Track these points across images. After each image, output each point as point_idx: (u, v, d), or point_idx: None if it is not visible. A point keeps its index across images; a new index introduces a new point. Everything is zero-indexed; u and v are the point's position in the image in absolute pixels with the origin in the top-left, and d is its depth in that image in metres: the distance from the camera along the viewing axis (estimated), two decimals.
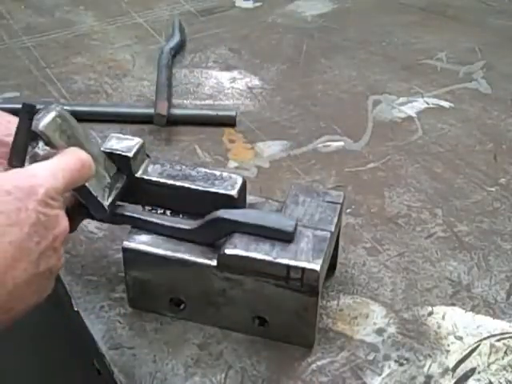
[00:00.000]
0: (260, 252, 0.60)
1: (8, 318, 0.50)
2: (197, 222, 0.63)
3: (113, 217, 0.64)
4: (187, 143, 0.91)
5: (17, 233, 0.48)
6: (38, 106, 0.57)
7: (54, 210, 0.52)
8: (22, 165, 0.54)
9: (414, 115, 0.97)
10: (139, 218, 0.64)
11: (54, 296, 0.70)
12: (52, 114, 0.58)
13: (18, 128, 0.55)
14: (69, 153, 0.56)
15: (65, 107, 0.94)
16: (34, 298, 0.52)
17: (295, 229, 0.61)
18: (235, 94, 1.01)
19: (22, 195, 0.49)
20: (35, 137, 0.56)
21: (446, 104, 1.00)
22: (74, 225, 0.70)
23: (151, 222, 0.64)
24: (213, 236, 0.63)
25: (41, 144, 0.56)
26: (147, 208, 0.66)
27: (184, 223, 0.64)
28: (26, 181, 0.51)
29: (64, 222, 0.53)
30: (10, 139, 0.63)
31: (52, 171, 0.53)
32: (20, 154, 0.55)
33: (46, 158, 0.55)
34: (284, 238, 0.61)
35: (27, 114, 0.55)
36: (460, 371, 0.63)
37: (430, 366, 0.63)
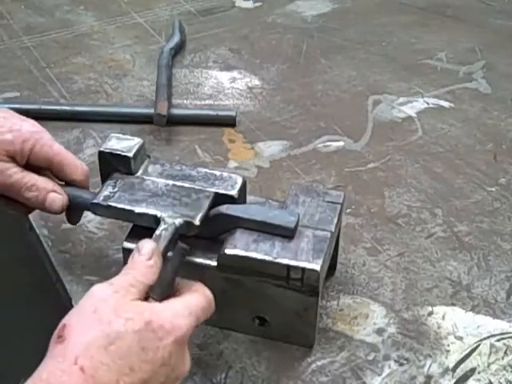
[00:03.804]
0: (260, 252, 0.60)
1: None
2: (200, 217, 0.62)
3: (109, 210, 0.64)
4: (187, 143, 0.91)
5: (148, 370, 0.47)
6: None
7: (185, 351, 0.51)
8: (160, 299, 0.52)
9: (414, 115, 0.97)
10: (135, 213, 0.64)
11: (54, 296, 0.70)
12: None
13: (171, 262, 0.55)
14: (199, 290, 0.55)
15: (65, 107, 0.96)
16: None
17: (296, 224, 0.61)
18: (235, 94, 1.01)
19: (163, 334, 0.49)
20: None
21: (445, 104, 1.00)
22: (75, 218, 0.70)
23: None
24: (215, 231, 0.63)
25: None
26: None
27: None
28: (169, 320, 0.50)
29: (187, 365, 0.52)
30: (7, 136, 0.63)
31: (190, 311, 0.52)
32: (164, 288, 0.53)
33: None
34: (285, 233, 0.61)
35: (183, 252, 0.55)
36: (460, 371, 0.63)
37: (430, 366, 0.63)
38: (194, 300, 0.53)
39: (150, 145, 0.88)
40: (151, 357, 0.48)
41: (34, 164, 0.65)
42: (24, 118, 0.67)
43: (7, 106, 0.91)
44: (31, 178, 0.65)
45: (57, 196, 0.65)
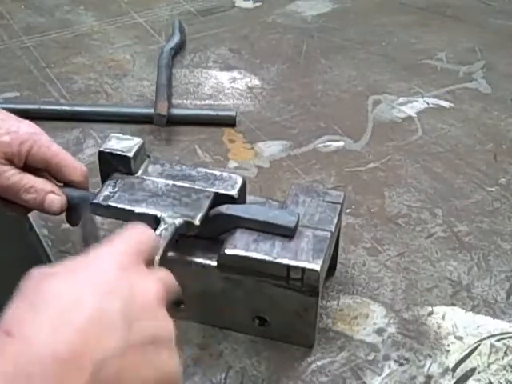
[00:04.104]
0: (260, 252, 0.60)
1: None
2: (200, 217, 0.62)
3: (109, 211, 0.64)
4: (187, 143, 0.91)
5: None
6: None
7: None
8: None
9: (414, 115, 0.97)
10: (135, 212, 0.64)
11: None
12: None
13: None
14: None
15: (65, 107, 0.96)
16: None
17: (297, 224, 0.61)
18: (235, 94, 1.01)
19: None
20: None
21: (446, 104, 1.00)
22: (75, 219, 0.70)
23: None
24: (215, 231, 0.63)
25: None
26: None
27: None
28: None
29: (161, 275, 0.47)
30: (4, 138, 0.63)
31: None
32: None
33: None
34: (285, 233, 0.61)
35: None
36: (460, 371, 0.63)
37: (430, 366, 0.63)
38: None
39: (150, 145, 0.88)
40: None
41: (31, 165, 0.65)
42: (22, 119, 0.67)
43: (7, 106, 0.91)
44: (29, 179, 0.65)
45: (55, 197, 0.65)
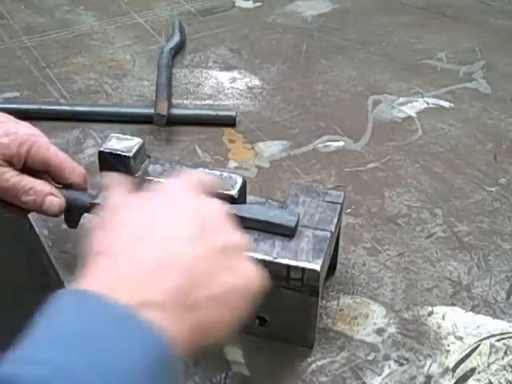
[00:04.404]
0: (260, 252, 0.60)
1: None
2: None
3: None
4: (187, 143, 0.91)
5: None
6: None
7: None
8: None
9: (414, 115, 0.97)
10: None
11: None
12: None
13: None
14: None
15: (65, 107, 0.96)
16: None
17: (297, 224, 0.61)
18: (235, 94, 1.01)
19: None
20: None
21: (446, 104, 1.00)
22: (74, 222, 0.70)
23: None
24: None
25: None
26: None
27: None
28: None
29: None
30: (3, 140, 0.63)
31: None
32: None
33: None
34: (286, 233, 0.61)
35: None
36: (460, 371, 0.63)
37: (430, 366, 0.63)
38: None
39: (150, 145, 0.88)
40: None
41: (31, 167, 0.65)
42: (20, 121, 0.67)
43: (7, 106, 0.91)
44: (28, 181, 0.65)
45: (54, 199, 0.65)
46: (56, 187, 0.66)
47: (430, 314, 0.68)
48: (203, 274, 0.45)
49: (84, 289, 0.42)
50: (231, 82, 1.04)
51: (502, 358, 0.64)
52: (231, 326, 0.48)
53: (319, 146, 0.91)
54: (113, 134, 0.68)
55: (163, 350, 0.41)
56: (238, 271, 0.48)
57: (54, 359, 0.37)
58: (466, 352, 0.64)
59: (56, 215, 0.66)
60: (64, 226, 0.75)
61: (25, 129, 0.66)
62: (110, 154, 0.66)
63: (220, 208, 0.51)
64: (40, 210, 0.65)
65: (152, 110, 0.92)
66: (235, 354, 0.51)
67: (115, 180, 0.55)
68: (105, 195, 0.55)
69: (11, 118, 0.67)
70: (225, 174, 0.66)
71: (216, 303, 0.45)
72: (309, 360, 0.63)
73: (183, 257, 0.45)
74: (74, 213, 0.69)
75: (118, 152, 0.66)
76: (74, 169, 0.67)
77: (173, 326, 0.42)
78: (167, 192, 0.51)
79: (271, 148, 0.90)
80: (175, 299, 0.43)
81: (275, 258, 0.59)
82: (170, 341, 0.41)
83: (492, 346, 0.65)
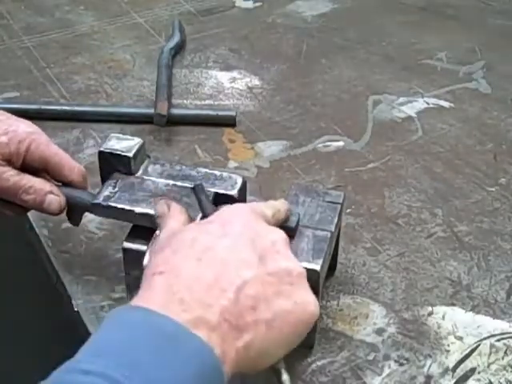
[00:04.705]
0: None
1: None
2: (199, 218, 0.62)
3: (109, 211, 0.64)
4: (187, 143, 0.91)
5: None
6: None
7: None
8: None
9: (414, 115, 0.97)
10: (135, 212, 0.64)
11: (54, 296, 0.70)
12: None
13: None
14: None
15: (65, 107, 0.96)
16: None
17: (297, 224, 0.61)
18: (235, 94, 1.01)
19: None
20: None
21: (445, 104, 1.00)
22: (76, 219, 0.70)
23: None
24: None
25: None
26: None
27: None
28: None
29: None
30: (2, 139, 0.63)
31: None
32: None
33: None
34: (286, 233, 0.60)
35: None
36: (460, 371, 0.63)
37: (430, 366, 0.63)
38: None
39: (150, 145, 0.88)
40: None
41: (30, 165, 0.65)
42: (21, 119, 0.67)
43: (7, 106, 0.91)
44: (28, 180, 0.65)
45: (54, 197, 0.65)
46: (56, 185, 0.66)
47: (430, 314, 0.68)
48: (256, 298, 0.46)
49: (144, 306, 0.43)
50: (231, 82, 1.04)
51: (502, 358, 0.64)
52: (282, 352, 0.48)
53: (319, 146, 0.91)
54: (113, 134, 0.68)
55: (215, 367, 0.41)
56: (292, 298, 0.48)
57: (109, 372, 0.37)
58: (466, 352, 0.64)
59: (56, 214, 0.66)
60: (64, 226, 0.75)
61: (24, 127, 0.66)
62: (110, 153, 0.66)
63: (281, 236, 0.52)
64: (40, 208, 0.65)
65: (152, 110, 0.92)
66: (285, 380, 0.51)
67: (174, 209, 0.57)
68: (160, 222, 0.56)
69: (11, 116, 0.67)
70: (225, 174, 0.66)
71: (267, 328, 0.46)
72: (309, 360, 0.63)
73: (239, 279, 0.46)
74: (74, 211, 0.69)
75: (118, 152, 0.66)
76: (73, 167, 0.67)
77: (223, 345, 0.43)
78: (228, 216, 0.52)
79: (271, 148, 0.90)
80: (227, 320, 0.44)
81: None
82: (220, 359, 0.42)
83: (492, 346, 0.65)
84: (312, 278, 0.59)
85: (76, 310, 0.67)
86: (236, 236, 0.49)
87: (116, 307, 0.43)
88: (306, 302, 0.49)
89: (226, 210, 0.54)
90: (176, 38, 1.11)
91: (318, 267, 0.58)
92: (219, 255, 0.47)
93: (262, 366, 0.48)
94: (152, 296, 0.44)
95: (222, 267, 0.46)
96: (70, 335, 0.73)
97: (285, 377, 0.51)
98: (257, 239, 0.50)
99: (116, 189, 0.65)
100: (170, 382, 0.39)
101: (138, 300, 0.44)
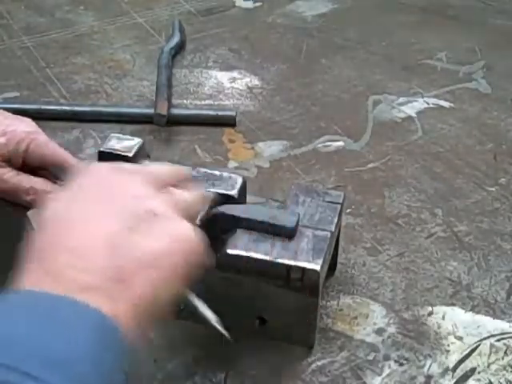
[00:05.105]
0: (260, 252, 0.60)
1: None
2: (199, 217, 0.63)
3: None
4: (187, 143, 0.91)
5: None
6: None
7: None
8: None
9: (414, 115, 0.97)
10: None
11: None
12: None
13: None
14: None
15: (65, 107, 0.96)
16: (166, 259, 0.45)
17: (297, 224, 0.61)
18: (235, 94, 1.01)
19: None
20: None
21: (446, 104, 1.00)
22: None
23: None
24: (216, 231, 0.63)
25: None
26: None
27: None
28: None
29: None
30: (0, 140, 0.63)
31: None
32: None
33: None
34: (286, 233, 0.61)
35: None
36: (460, 371, 0.63)
37: (430, 366, 0.63)
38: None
39: (150, 145, 0.88)
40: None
41: (30, 164, 0.65)
42: (20, 117, 0.67)
43: (7, 106, 0.91)
44: (28, 180, 0.64)
45: None
46: (57, 185, 0.66)
47: (430, 314, 0.68)
48: (127, 246, 0.44)
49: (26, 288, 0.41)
50: (231, 82, 1.04)
51: (502, 358, 0.64)
52: (178, 286, 0.46)
53: (319, 146, 0.91)
54: (113, 134, 0.68)
55: (105, 324, 0.39)
56: (166, 233, 0.46)
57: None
58: (466, 352, 0.64)
59: None
60: None
61: (23, 126, 0.66)
62: (110, 153, 0.66)
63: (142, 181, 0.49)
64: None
65: (152, 110, 0.92)
66: (198, 307, 0.51)
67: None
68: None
69: (10, 115, 0.67)
70: (225, 174, 0.66)
71: (150, 270, 0.43)
72: (309, 360, 0.63)
73: (105, 233, 0.44)
74: None
75: (118, 152, 0.66)
76: (73, 165, 0.67)
77: (112, 304, 0.41)
78: (97, 176, 0.49)
79: (271, 148, 0.90)
80: (107, 278, 0.42)
81: (275, 259, 0.59)
82: (112, 319, 0.40)
83: (492, 346, 0.65)
84: (312, 278, 0.59)
85: None
86: (100, 193, 0.47)
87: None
88: (183, 233, 0.47)
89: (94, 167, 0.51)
90: (176, 38, 1.11)
91: (317, 267, 0.58)
92: (77, 215, 0.45)
93: (165, 305, 0.45)
94: (32, 276, 0.42)
95: (84, 230, 0.44)
96: None
97: (196, 302, 0.50)
98: (120, 192, 0.47)
99: None
100: (65, 352, 0.37)
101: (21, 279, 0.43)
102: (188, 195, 0.52)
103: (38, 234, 0.45)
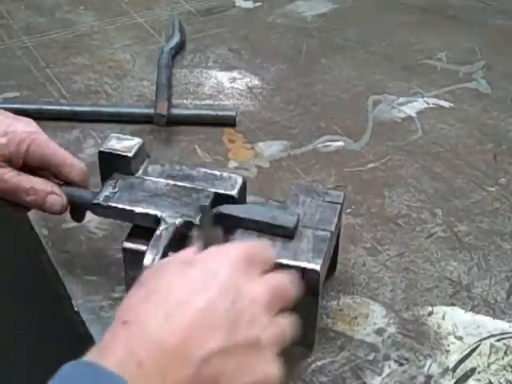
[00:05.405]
0: None
1: None
2: (199, 218, 0.63)
3: (110, 211, 0.64)
4: (187, 143, 0.91)
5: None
6: None
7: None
8: None
9: (414, 115, 0.97)
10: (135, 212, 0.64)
11: (54, 296, 0.70)
12: None
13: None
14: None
15: (65, 107, 0.96)
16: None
17: (297, 224, 0.61)
18: (235, 94, 1.01)
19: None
20: None
21: (445, 104, 1.00)
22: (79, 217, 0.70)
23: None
24: None
25: None
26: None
27: None
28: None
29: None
30: (1, 140, 0.63)
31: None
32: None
33: None
34: (286, 233, 0.61)
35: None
36: (460, 371, 0.63)
37: (430, 365, 0.63)
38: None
39: (150, 145, 0.88)
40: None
41: (31, 164, 0.65)
42: (21, 118, 0.67)
43: (7, 106, 0.91)
44: (29, 180, 0.64)
45: (56, 198, 0.65)
46: (57, 184, 0.66)
47: (430, 313, 0.68)
48: (216, 373, 0.43)
49: (99, 363, 0.41)
50: (231, 82, 1.04)
51: (502, 358, 0.64)
52: None
53: (319, 146, 0.91)
54: (113, 134, 0.68)
55: None
56: (254, 370, 0.46)
57: None
58: (466, 352, 0.64)
59: (58, 213, 0.66)
60: (64, 226, 0.75)
61: (23, 126, 0.66)
62: (110, 153, 0.66)
63: (263, 292, 0.48)
64: (42, 208, 0.65)
65: (152, 110, 0.92)
66: None
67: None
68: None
69: (11, 115, 0.67)
70: (225, 174, 0.66)
71: None
72: (309, 360, 0.63)
73: (204, 350, 0.43)
74: (76, 209, 0.69)
75: (118, 152, 0.66)
76: (73, 165, 0.67)
77: None
78: (215, 262, 0.48)
79: (271, 148, 0.90)
80: None
81: (275, 259, 0.59)
82: None
83: (492, 346, 0.65)
84: (312, 277, 0.59)
85: (76, 309, 0.67)
86: (215, 294, 0.45)
87: (68, 363, 0.41)
88: (267, 374, 0.47)
89: (214, 251, 0.50)
90: (176, 38, 1.11)
91: (317, 267, 0.58)
92: (190, 315, 0.44)
93: None
94: (111, 351, 0.42)
95: (190, 332, 0.43)
96: (70, 335, 0.73)
97: None
98: (237, 299, 0.46)
99: (116, 189, 0.65)
100: None
101: (98, 351, 0.42)
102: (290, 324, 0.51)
103: (144, 300, 0.46)
